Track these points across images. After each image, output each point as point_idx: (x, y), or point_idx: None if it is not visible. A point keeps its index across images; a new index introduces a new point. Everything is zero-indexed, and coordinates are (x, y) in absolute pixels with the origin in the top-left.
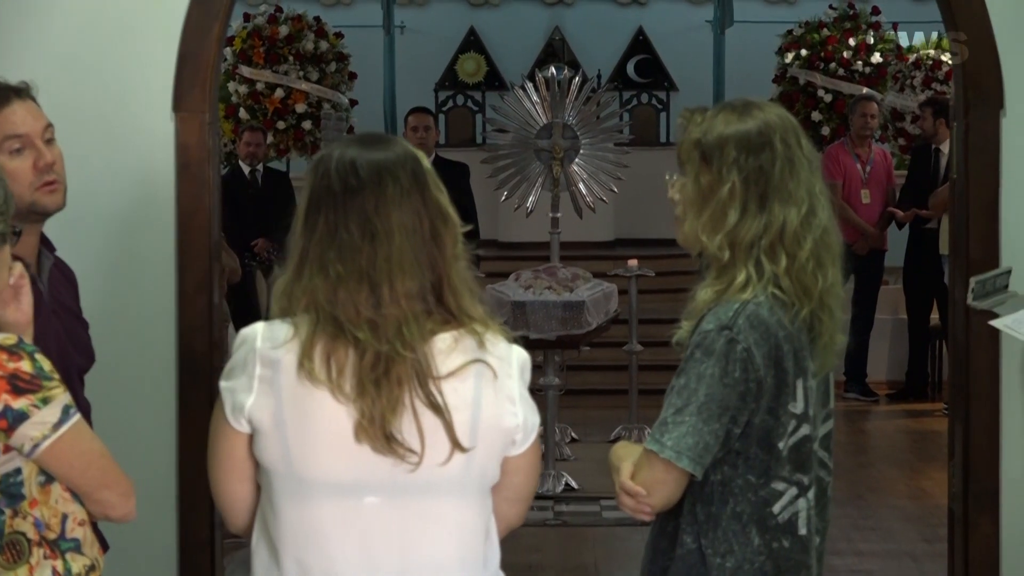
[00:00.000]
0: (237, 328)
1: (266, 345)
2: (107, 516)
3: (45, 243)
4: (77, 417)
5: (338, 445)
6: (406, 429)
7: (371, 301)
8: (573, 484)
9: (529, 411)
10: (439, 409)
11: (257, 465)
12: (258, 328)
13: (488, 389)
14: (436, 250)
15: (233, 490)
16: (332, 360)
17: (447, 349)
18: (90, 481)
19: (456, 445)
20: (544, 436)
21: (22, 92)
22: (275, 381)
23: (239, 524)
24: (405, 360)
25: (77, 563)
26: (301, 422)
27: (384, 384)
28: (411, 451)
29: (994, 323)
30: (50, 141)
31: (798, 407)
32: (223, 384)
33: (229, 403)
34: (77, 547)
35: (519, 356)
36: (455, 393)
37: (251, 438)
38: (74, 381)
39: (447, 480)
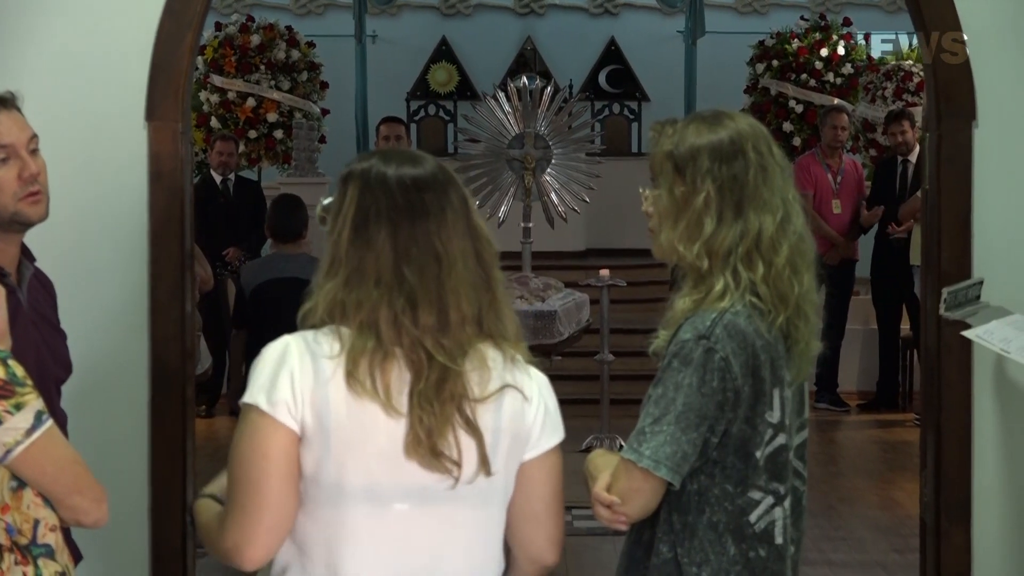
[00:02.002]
0: (208, 337)
1: (305, 357)
2: (79, 522)
3: (25, 253)
4: (50, 423)
5: (379, 455)
6: (450, 445)
7: (439, 325)
8: None
9: (546, 422)
10: (475, 429)
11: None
12: (288, 340)
13: (513, 407)
14: (482, 273)
15: (285, 503)
16: (377, 374)
17: (480, 367)
18: (62, 487)
19: (484, 464)
20: None
21: (7, 102)
22: (320, 389)
23: (271, 550)
24: (459, 379)
25: (48, 569)
26: (345, 431)
27: (436, 402)
28: (456, 464)
29: (966, 333)
30: (34, 151)
31: (775, 416)
32: (261, 398)
33: (281, 409)
34: (49, 553)
35: (536, 375)
36: (487, 415)
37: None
38: (52, 392)
39: (474, 490)
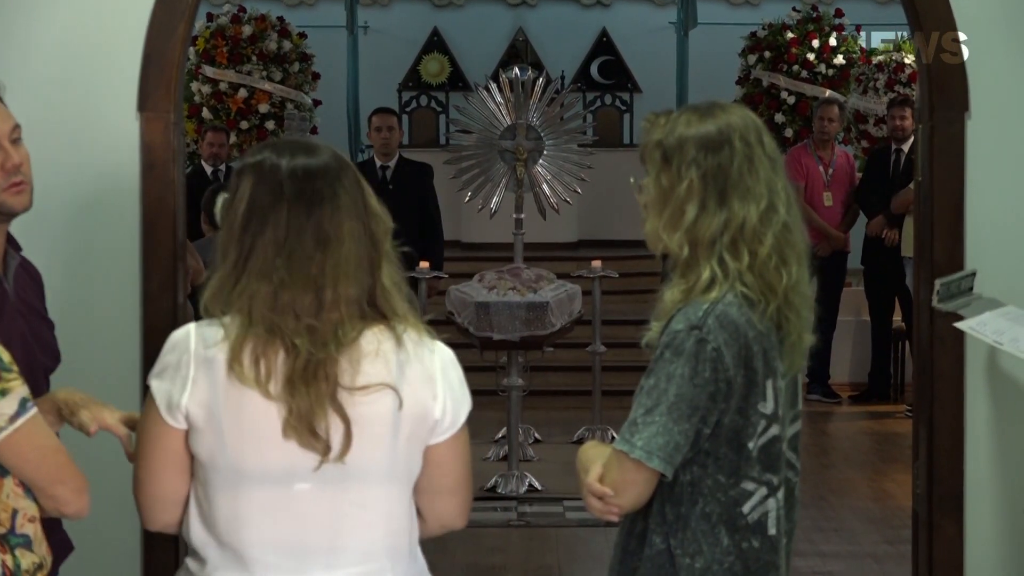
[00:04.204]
0: None
1: (199, 346)
2: (60, 512)
3: (11, 243)
4: (34, 411)
5: (268, 438)
6: (327, 426)
7: (313, 307)
8: (537, 485)
9: (454, 403)
10: (343, 415)
11: (193, 458)
12: (190, 329)
13: (407, 380)
14: (375, 253)
15: (169, 483)
16: (262, 361)
17: (370, 354)
18: (44, 476)
19: (346, 448)
20: (508, 437)
21: None
22: (210, 379)
23: (164, 520)
24: (335, 362)
25: (26, 559)
26: (234, 417)
27: (312, 384)
28: (328, 446)
29: (959, 325)
30: (16, 141)
31: (768, 407)
32: (155, 384)
33: (164, 402)
34: (27, 543)
35: (441, 351)
36: (360, 406)
37: (187, 434)
38: (40, 381)
39: (375, 468)
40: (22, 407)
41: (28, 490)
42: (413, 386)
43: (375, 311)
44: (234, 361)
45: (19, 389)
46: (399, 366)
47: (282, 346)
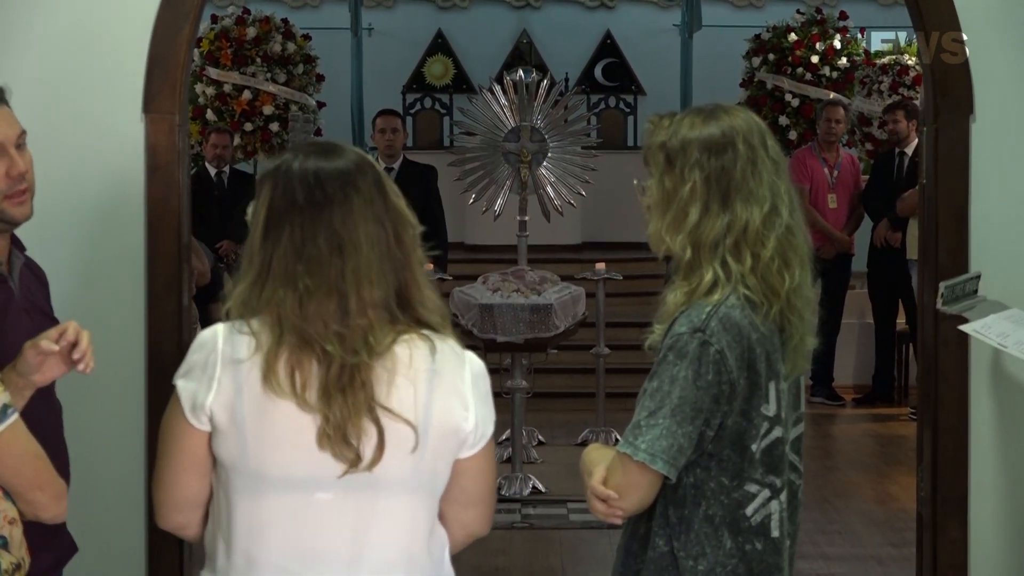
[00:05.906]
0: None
1: (227, 348)
2: (38, 517)
3: (15, 243)
4: (15, 417)
5: (297, 445)
6: (361, 435)
7: (339, 314)
8: (540, 487)
9: (483, 415)
10: (377, 423)
11: (214, 461)
12: (218, 330)
13: (439, 394)
14: (400, 255)
15: (188, 485)
16: (297, 372)
17: (404, 367)
18: (23, 480)
19: (378, 456)
20: (511, 439)
21: None
22: (236, 382)
23: (178, 520)
24: (370, 368)
25: (5, 560)
26: (261, 423)
27: (349, 392)
28: (360, 457)
29: (964, 328)
30: (21, 147)
31: (770, 409)
32: (180, 384)
33: (188, 402)
34: (4, 545)
35: (472, 362)
36: (402, 402)
37: (210, 436)
38: None
39: (398, 478)
40: (3, 413)
41: (7, 493)
42: (445, 400)
43: (408, 316)
44: (270, 372)
45: (0, 395)
46: (431, 378)
47: (314, 354)
